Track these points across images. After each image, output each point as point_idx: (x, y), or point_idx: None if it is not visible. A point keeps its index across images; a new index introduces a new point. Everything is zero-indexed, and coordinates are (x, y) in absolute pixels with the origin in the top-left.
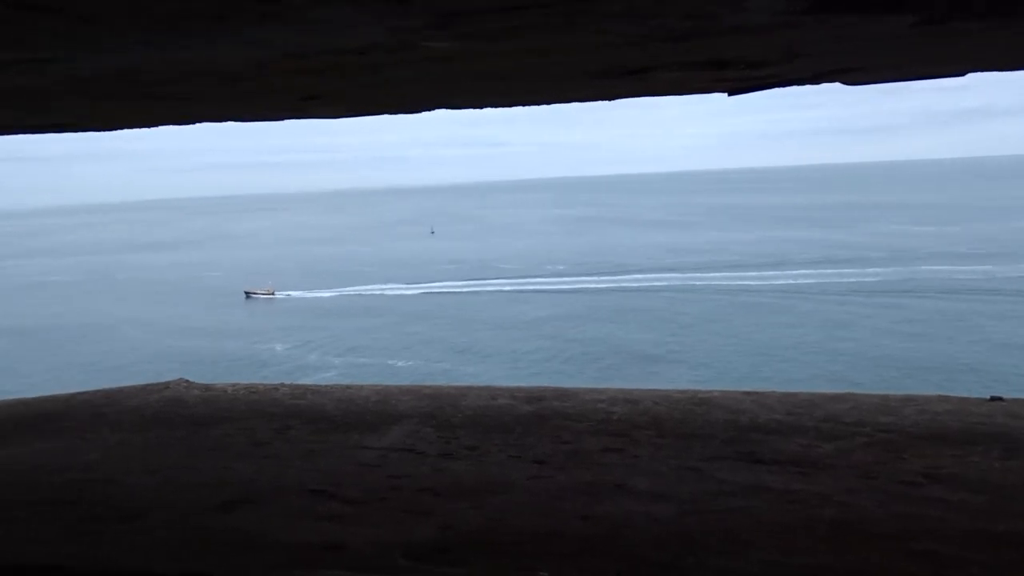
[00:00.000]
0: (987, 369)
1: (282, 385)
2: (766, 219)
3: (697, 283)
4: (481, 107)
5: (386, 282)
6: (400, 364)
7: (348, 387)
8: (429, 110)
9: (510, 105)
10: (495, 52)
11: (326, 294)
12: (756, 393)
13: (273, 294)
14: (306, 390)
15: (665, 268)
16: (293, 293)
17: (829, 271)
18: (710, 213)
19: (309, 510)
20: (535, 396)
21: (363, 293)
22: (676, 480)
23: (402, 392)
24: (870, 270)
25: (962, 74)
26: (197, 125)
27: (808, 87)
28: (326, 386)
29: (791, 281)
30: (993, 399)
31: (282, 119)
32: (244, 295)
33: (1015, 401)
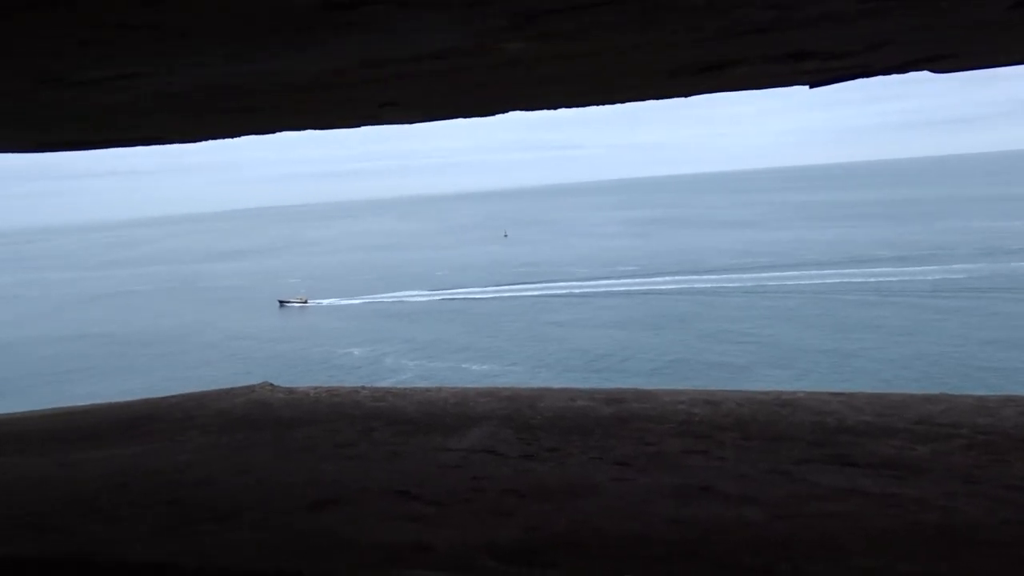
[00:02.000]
0: None
1: (363, 388)
2: (848, 216)
3: (772, 283)
4: (555, 108)
5: (457, 287)
6: (475, 368)
7: (427, 390)
8: (503, 112)
9: (584, 105)
10: (570, 53)
11: (355, 302)
12: (844, 394)
13: (306, 302)
14: (386, 393)
15: (740, 268)
16: (324, 301)
17: (912, 268)
18: (791, 210)
19: (394, 511)
20: (614, 398)
21: (435, 298)
22: (765, 483)
23: (480, 394)
24: (955, 266)
25: None
26: (276, 136)
27: (886, 78)
28: (405, 389)
29: (872, 279)
30: None
31: (360, 126)
32: (278, 304)
33: None
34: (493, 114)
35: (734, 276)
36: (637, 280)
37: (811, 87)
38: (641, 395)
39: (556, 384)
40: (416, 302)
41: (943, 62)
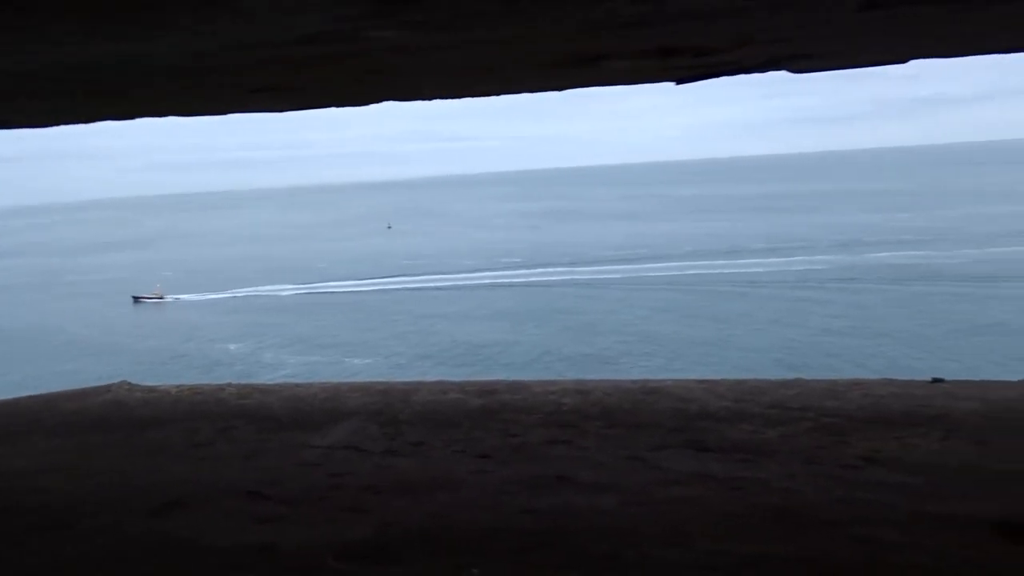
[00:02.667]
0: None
1: (229, 385)
2: (729, 209)
3: (652, 274)
4: (432, 99)
5: (343, 279)
6: (357, 362)
7: (297, 385)
8: (380, 102)
9: (463, 97)
10: (445, 43)
11: (225, 296)
12: (708, 381)
13: (162, 298)
14: (253, 389)
15: (622, 260)
16: (185, 296)
17: (779, 259)
18: (675, 204)
19: (243, 512)
20: (487, 390)
21: (311, 291)
22: (621, 471)
23: (352, 389)
24: (818, 257)
25: (904, 61)
26: (156, 122)
27: (772, 78)
28: (274, 385)
29: (743, 270)
30: (935, 381)
31: (228, 113)
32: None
33: (956, 383)
34: (370, 103)
35: (617, 267)
36: (523, 272)
37: (678, 83)
38: (514, 387)
39: (433, 377)
40: (296, 295)
41: (801, 62)
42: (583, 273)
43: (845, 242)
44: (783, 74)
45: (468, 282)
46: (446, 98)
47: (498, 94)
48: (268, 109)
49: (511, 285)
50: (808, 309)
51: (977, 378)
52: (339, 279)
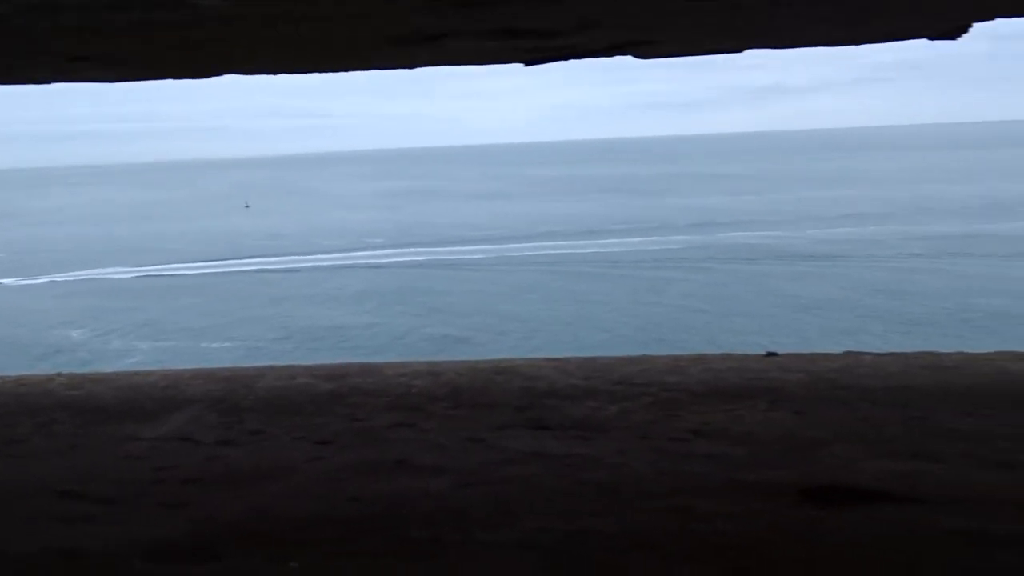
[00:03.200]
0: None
1: (58, 375)
2: (589, 190)
3: (514, 254)
4: (275, 73)
5: (197, 260)
6: (215, 346)
7: (135, 373)
8: (219, 75)
9: (308, 72)
10: (280, 14)
11: (69, 277)
12: (559, 359)
13: None
14: (84, 379)
15: (484, 239)
16: (5, 281)
17: (638, 239)
18: (537, 184)
19: (51, 513)
20: (337, 374)
21: (161, 273)
22: (459, 452)
23: (194, 376)
24: (673, 238)
25: (741, 50)
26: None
27: (627, 63)
28: (109, 374)
29: (603, 250)
30: (768, 355)
31: (55, 82)
32: None
33: (788, 355)
34: (207, 76)
35: (481, 247)
36: (387, 252)
37: (526, 65)
38: (366, 369)
39: (289, 361)
40: (147, 278)
41: (643, 48)
42: (447, 253)
43: (698, 223)
44: (638, 60)
45: (330, 263)
46: (291, 73)
47: (343, 70)
48: (95, 78)
49: (375, 266)
50: (664, 288)
51: (807, 351)
52: (193, 260)
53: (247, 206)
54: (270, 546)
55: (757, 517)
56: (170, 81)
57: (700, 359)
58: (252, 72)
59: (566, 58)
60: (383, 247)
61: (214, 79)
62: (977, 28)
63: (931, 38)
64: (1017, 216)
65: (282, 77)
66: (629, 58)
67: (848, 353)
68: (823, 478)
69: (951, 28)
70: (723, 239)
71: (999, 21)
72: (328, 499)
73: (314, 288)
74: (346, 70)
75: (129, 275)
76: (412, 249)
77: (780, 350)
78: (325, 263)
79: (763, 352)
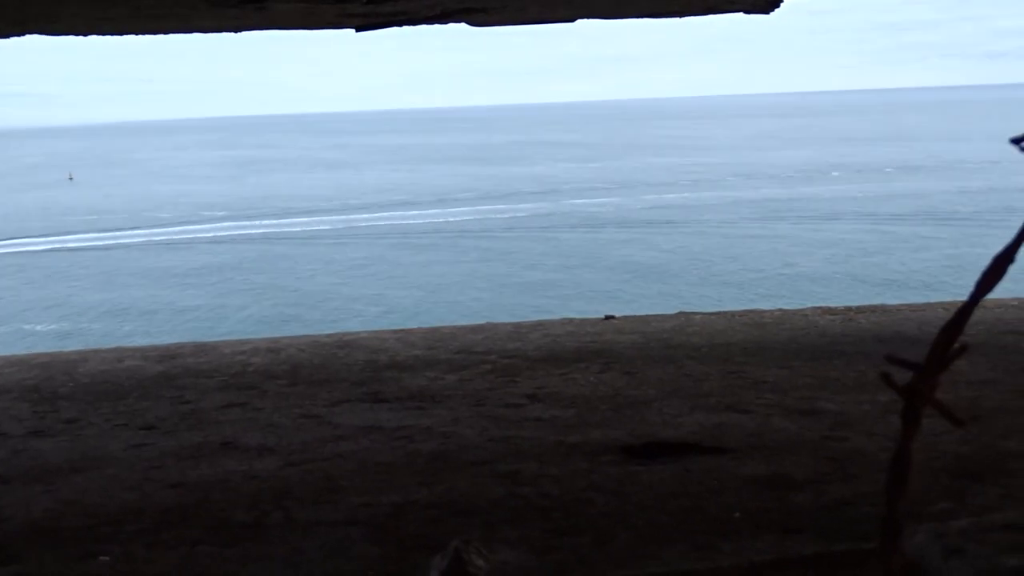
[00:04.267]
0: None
1: None
2: (435, 159)
3: (361, 224)
4: (85, 34)
5: (9, 238)
6: (39, 328)
7: None
8: (19, 35)
9: (125, 33)
10: None
11: None
12: (403, 330)
13: None
14: None
15: (330, 210)
16: None
17: (486, 207)
18: (380, 153)
19: None
20: (170, 354)
21: None
22: (291, 430)
23: (6, 364)
24: (521, 205)
25: (571, 20)
26: None
27: (472, 32)
28: None
29: (454, 219)
30: (607, 318)
31: None
32: None
33: (625, 318)
34: (5, 35)
35: (326, 218)
36: (226, 225)
37: (357, 31)
38: (201, 349)
39: (117, 343)
40: None
41: (476, 16)
42: (291, 225)
43: (544, 191)
44: (481, 29)
45: (164, 238)
46: (102, 34)
47: (164, 32)
48: None
49: (213, 240)
50: (512, 258)
51: (644, 313)
52: (9, 238)
53: (71, 178)
54: (77, 541)
55: (578, 476)
56: None
57: (540, 325)
58: (57, 32)
59: (399, 24)
60: (223, 220)
61: (14, 40)
62: (796, 3)
63: (746, 12)
64: (829, 180)
65: (99, 39)
66: (473, 28)
67: (680, 313)
68: (644, 435)
69: (765, 2)
70: (567, 206)
71: None
72: (144, 488)
73: (148, 264)
74: (164, 32)
75: None
76: (254, 222)
77: (619, 313)
78: (158, 238)
79: (602, 316)
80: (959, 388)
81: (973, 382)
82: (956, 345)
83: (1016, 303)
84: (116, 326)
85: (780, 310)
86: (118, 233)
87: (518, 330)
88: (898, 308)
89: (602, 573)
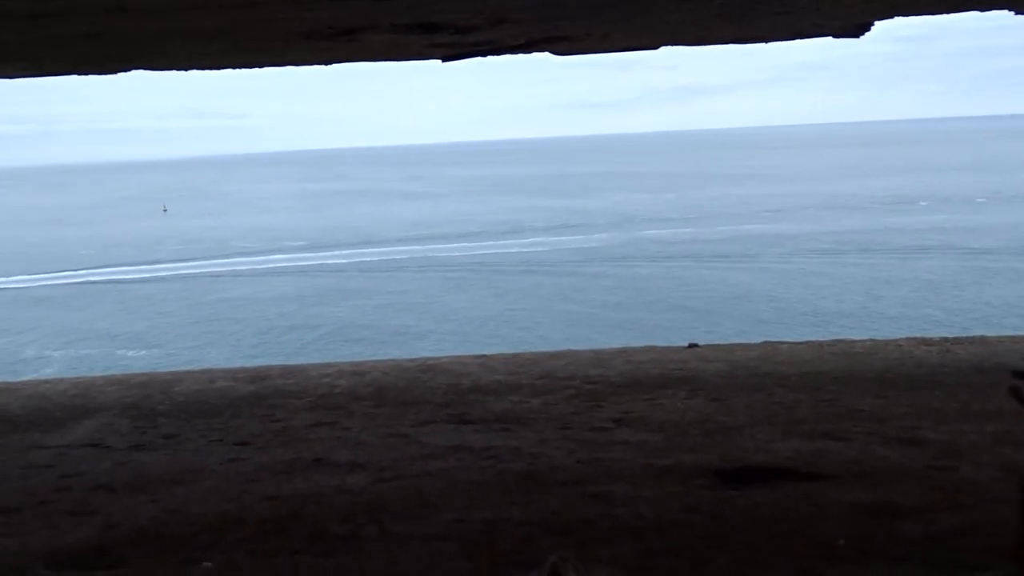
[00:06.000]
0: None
1: None
2: (509, 190)
3: (439, 254)
4: (185, 68)
5: (107, 266)
6: (131, 354)
7: (45, 381)
8: (126, 70)
9: (218, 67)
10: (184, 4)
11: None
12: (484, 356)
13: None
14: None
15: (409, 240)
16: None
17: (563, 238)
18: (458, 184)
19: None
20: (259, 376)
21: (75, 280)
22: (380, 448)
23: (108, 383)
24: (595, 236)
25: (655, 47)
26: None
27: (545, 63)
28: (16, 383)
29: (527, 249)
30: (690, 346)
31: None
32: None
33: (709, 347)
34: (113, 71)
35: (407, 248)
36: (309, 255)
37: (444, 61)
38: (288, 371)
39: (208, 365)
40: (57, 285)
41: (559, 45)
42: (373, 255)
43: (619, 221)
44: (557, 60)
45: (253, 266)
46: (201, 68)
47: (259, 65)
48: None
49: (300, 270)
50: (588, 285)
51: (727, 342)
52: (106, 266)
53: (165, 210)
54: (180, 548)
55: (672, 499)
56: (70, 79)
57: (622, 352)
58: (159, 68)
59: (484, 54)
60: (307, 249)
61: (119, 76)
62: (881, 31)
63: (835, 36)
64: (918, 210)
65: (194, 77)
66: (552, 59)
67: (766, 343)
68: (736, 459)
69: (853, 26)
70: (642, 236)
71: (899, 23)
72: (242, 499)
73: (237, 291)
74: (259, 66)
75: (40, 283)
76: (337, 252)
77: (702, 342)
78: (247, 267)
79: (685, 344)
80: None
81: None
82: None
83: None
84: (205, 350)
85: (872, 340)
86: (208, 262)
87: (600, 357)
88: (999, 340)
89: None
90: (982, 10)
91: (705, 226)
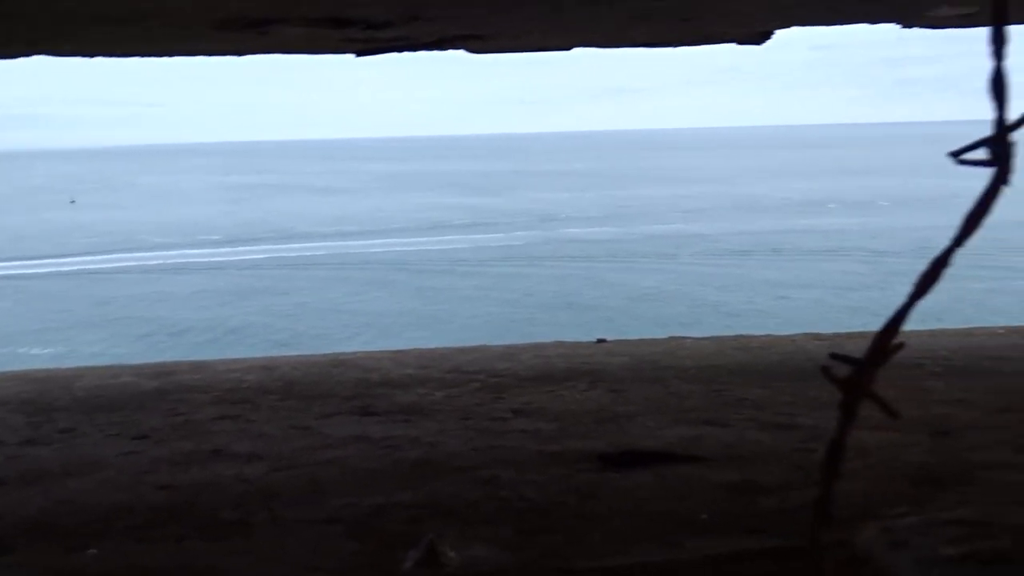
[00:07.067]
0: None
1: None
2: (436, 185)
3: (357, 251)
4: (95, 55)
5: (5, 260)
6: (36, 352)
7: None
8: (26, 55)
9: (132, 55)
10: None
11: None
12: (398, 351)
13: None
14: None
15: (327, 236)
16: None
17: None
18: (381, 180)
19: None
20: (165, 371)
21: None
22: (279, 440)
23: (4, 379)
24: (516, 233)
25: (568, 48)
26: None
27: (472, 59)
28: None
29: (447, 247)
30: (599, 341)
31: None
32: None
33: (617, 342)
34: (16, 55)
35: (326, 244)
36: (225, 250)
37: (358, 55)
38: (195, 367)
39: (113, 362)
40: None
41: (473, 42)
42: (291, 250)
43: (541, 219)
44: (487, 57)
45: (166, 261)
46: (108, 56)
47: (171, 55)
48: None
49: (215, 266)
50: (507, 284)
51: (635, 337)
52: (6, 260)
53: (73, 201)
54: (68, 537)
55: (555, 482)
56: None
57: (533, 347)
58: (65, 53)
59: (399, 50)
60: (222, 244)
61: (20, 60)
62: (799, 38)
63: (739, 43)
64: (827, 212)
65: (105, 64)
66: (482, 56)
67: (672, 338)
68: (622, 445)
69: (756, 34)
70: (563, 235)
71: (816, 31)
72: (135, 489)
73: (148, 287)
74: (171, 54)
75: None
76: (255, 247)
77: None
78: (159, 261)
79: (594, 340)
80: (933, 406)
81: (947, 400)
82: (894, 343)
83: (1003, 331)
84: (115, 348)
85: (769, 336)
86: (117, 256)
87: (510, 351)
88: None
89: (569, 566)
90: (871, 23)
91: (625, 225)
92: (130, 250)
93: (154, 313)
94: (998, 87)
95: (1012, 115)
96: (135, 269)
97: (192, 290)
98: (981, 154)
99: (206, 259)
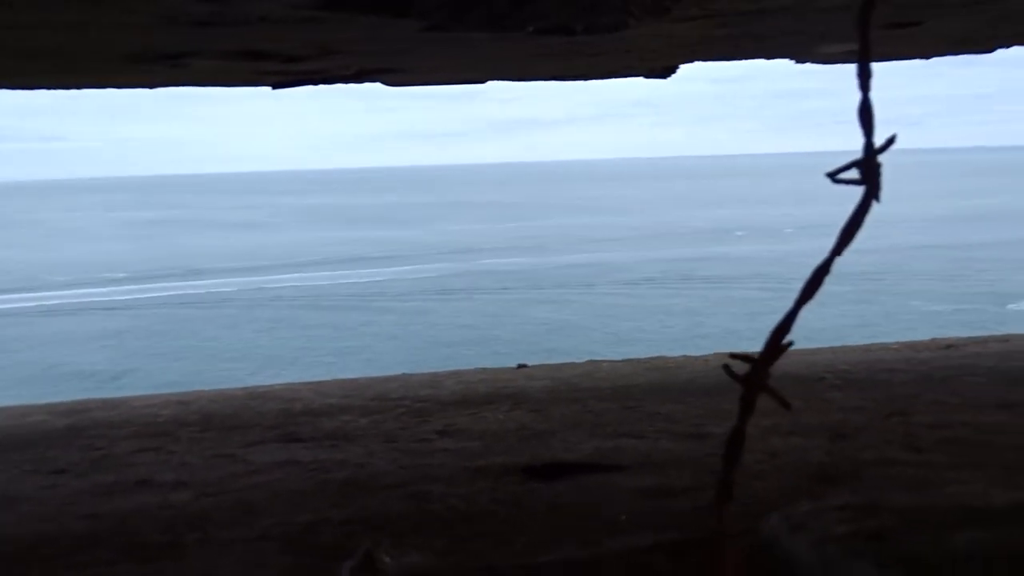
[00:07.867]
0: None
1: None
2: (347, 219)
3: (270, 286)
4: (4, 87)
5: None
6: None
7: None
8: None
9: (38, 87)
10: (12, 22)
11: None
12: (316, 382)
13: None
14: None
15: (238, 271)
16: None
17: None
18: (295, 213)
19: None
20: (77, 409)
21: None
22: (204, 468)
23: None
24: (432, 265)
25: (483, 81)
26: None
27: (386, 92)
28: None
29: (363, 280)
30: (520, 366)
31: None
32: None
33: (537, 366)
34: None
35: (237, 280)
36: (130, 288)
37: (274, 88)
38: (108, 404)
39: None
40: None
41: (392, 75)
42: (199, 287)
43: (458, 250)
44: (399, 90)
45: (64, 300)
46: (10, 88)
47: (80, 87)
48: None
49: (120, 305)
50: (426, 319)
51: (554, 362)
52: None
53: None
54: None
55: (482, 494)
56: None
57: (455, 374)
58: None
59: (315, 83)
60: (127, 282)
61: None
62: (702, 72)
63: (646, 76)
64: (735, 239)
65: (2, 95)
66: (394, 89)
67: (590, 361)
68: (545, 458)
69: (661, 68)
70: (481, 266)
71: (718, 66)
72: (59, 520)
73: (46, 329)
74: (79, 87)
75: None
76: (161, 284)
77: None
78: (57, 301)
79: (515, 365)
80: (832, 412)
81: (845, 408)
82: (783, 343)
83: (896, 347)
84: (11, 390)
85: (684, 356)
86: (13, 296)
87: (434, 378)
88: (797, 351)
89: (497, 565)
90: (767, 58)
91: (542, 256)
92: (29, 290)
93: (49, 355)
94: (865, 115)
95: (878, 140)
96: (33, 310)
97: (93, 330)
98: (854, 174)
99: (110, 298)
